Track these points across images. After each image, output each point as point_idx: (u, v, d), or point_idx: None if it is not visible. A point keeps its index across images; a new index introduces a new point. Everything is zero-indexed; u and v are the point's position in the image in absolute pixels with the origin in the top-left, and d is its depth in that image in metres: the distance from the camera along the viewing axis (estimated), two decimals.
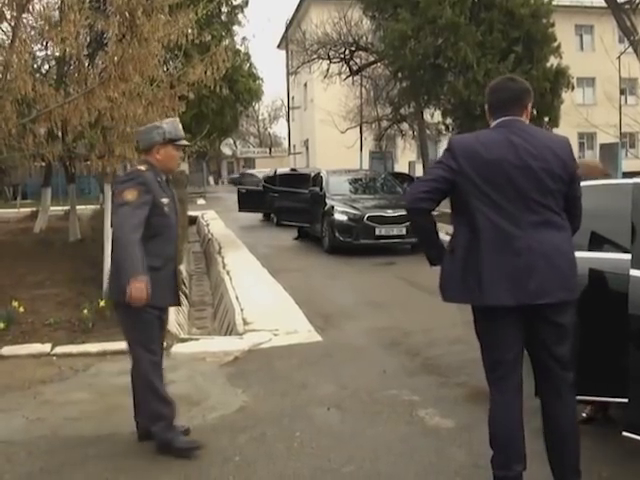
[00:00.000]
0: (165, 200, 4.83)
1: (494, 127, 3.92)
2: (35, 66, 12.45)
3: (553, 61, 19.14)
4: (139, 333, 4.81)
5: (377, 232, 14.86)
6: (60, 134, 10.99)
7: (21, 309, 8.65)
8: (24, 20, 8.74)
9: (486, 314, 3.77)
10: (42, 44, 12.01)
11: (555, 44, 19.06)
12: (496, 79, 4.19)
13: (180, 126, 5.05)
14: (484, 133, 3.94)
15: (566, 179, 3.79)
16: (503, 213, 3.69)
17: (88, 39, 11.03)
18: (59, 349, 7.36)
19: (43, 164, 21.12)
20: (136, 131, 5.08)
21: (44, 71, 14.19)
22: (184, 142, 5.11)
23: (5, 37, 9.07)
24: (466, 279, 3.74)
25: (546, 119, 19.26)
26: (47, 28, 8.57)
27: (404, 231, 14.74)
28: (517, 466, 3.77)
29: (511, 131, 3.83)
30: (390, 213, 14.79)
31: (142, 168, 4.87)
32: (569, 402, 3.89)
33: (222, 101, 19.02)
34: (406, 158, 33.72)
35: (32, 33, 9.62)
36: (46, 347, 7.39)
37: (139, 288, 4.49)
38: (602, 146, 21.52)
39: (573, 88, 19.89)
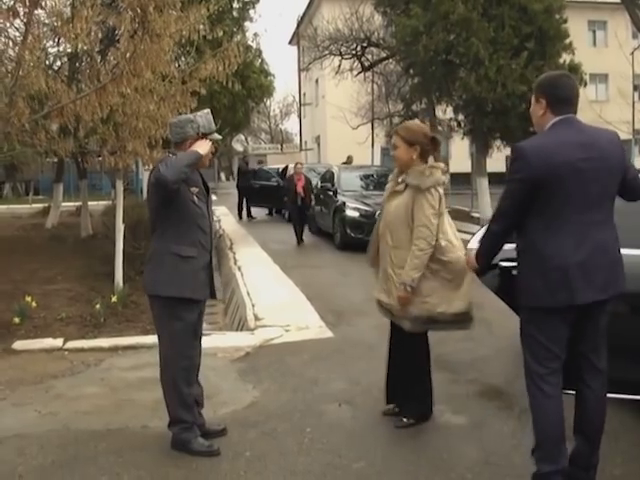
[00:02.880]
0: (195, 189, 4.77)
1: (558, 126, 3.83)
2: (47, 62, 12.46)
3: (566, 57, 19.01)
4: (175, 334, 4.75)
5: None
6: (72, 130, 11.02)
7: (33, 304, 8.71)
8: (36, 16, 8.76)
9: (551, 312, 3.77)
10: (54, 41, 12.04)
11: (568, 40, 18.92)
12: (549, 74, 4.14)
13: (212, 119, 4.97)
14: (552, 134, 3.83)
15: (622, 173, 3.89)
16: (576, 213, 3.73)
17: (100, 35, 11.01)
18: (71, 344, 7.40)
19: (55, 160, 21.26)
20: (169, 123, 5.01)
21: (56, 67, 14.20)
22: (217, 136, 5.01)
23: (17, 33, 9.09)
24: (550, 281, 3.73)
25: None
26: (59, 24, 8.57)
27: None
28: (564, 460, 3.83)
29: (576, 130, 3.83)
30: None
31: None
32: (603, 393, 3.98)
33: (234, 97, 18.97)
34: None
35: (44, 30, 9.65)
36: (58, 342, 7.43)
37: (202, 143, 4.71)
38: None
39: (586, 84, 19.74)
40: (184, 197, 4.68)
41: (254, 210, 24.32)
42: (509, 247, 4.06)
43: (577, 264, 3.69)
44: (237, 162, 29.85)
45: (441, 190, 4.96)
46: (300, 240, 16.69)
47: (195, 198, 4.76)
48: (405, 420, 5.15)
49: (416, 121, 5.79)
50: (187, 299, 4.70)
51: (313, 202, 18.08)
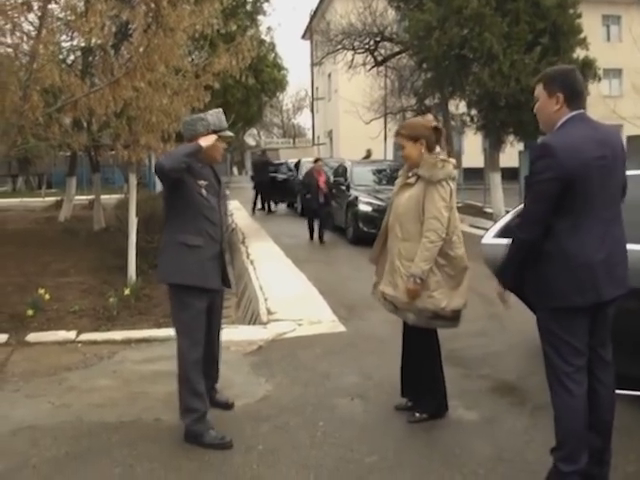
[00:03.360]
0: (203, 182, 4.91)
1: (575, 122, 3.79)
2: (61, 57, 12.50)
3: (579, 52, 18.88)
4: (183, 324, 4.89)
5: None
6: (85, 124, 11.06)
7: (47, 296, 8.75)
8: (50, 11, 8.78)
9: (578, 310, 3.75)
10: (68, 35, 12.07)
11: (582, 35, 18.82)
12: (560, 68, 4.10)
13: (224, 117, 5.13)
14: (572, 130, 3.76)
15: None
16: (596, 210, 3.71)
17: (114, 29, 11.04)
18: (84, 336, 7.43)
19: (68, 154, 21.33)
20: (183, 121, 5.19)
21: (70, 62, 14.24)
22: (228, 133, 5.15)
23: (32, 28, 9.11)
24: (579, 281, 3.70)
25: None
26: (73, 19, 8.59)
27: None
28: (584, 459, 3.79)
29: (590, 126, 3.82)
30: None
31: None
32: (613, 387, 3.99)
33: (247, 91, 19.00)
34: None
35: (58, 24, 9.67)
36: (71, 334, 7.47)
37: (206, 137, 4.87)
38: (629, 138, 21.24)
39: (600, 79, 19.62)
40: (190, 188, 4.84)
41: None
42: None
43: (601, 261, 3.69)
44: (250, 156, 29.81)
45: (452, 184, 4.97)
46: (321, 240, 16.09)
47: (203, 191, 4.90)
48: (418, 415, 5.15)
49: (429, 116, 5.76)
50: (192, 287, 4.80)
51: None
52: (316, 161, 17.66)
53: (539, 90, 3.91)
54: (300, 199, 22.66)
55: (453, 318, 4.98)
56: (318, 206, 16.35)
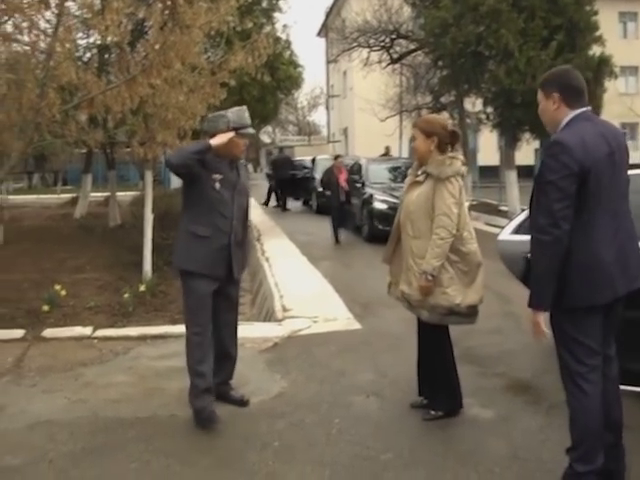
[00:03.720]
0: (217, 176, 5.11)
1: (581, 121, 3.78)
2: (77, 54, 12.55)
3: (596, 49, 18.78)
4: (188, 308, 5.20)
5: None
6: (101, 121, 11.09)
7: (63, 292, 8.79)
8: (67, 8, 8.81)
9: (593, 309, 3.73)
10: (84, 32, 12.13)
11: (598, 32, 18.72)
12: (555, 69, 4.07)
13: (246, 115, 5.30)
14: (581, 127, 3.75)
15: None
16: (607, 206, 3.72)
17: (130, 27, 11.06)
18: (100, 332, 7.47)
19: (84, 151, 21.42)
20: (207, 117, 5.48)
21: (86, 59, 14.29)
22: (249, 131, 5.33)
23: (48, 25, 9.15)
24: (596, 279, 3.68)
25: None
26: (90, 16, 8.62)
27: None
28: (600, 459, 3.77)
29: (595, 123, 3.83)
30: None
31: None
32: (617, 380, 4.01)
33: (263, 88, 18.99)
34: None
35: (74, 21, 9.70)
36: (87, 330, 7.50)
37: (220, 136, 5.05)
38: None
39: (616, 77, 19.48)
40: (204, 182, 5.09)
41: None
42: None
43: (614, 257, 3.69)
44: (265, 154, 29.75)
45: (461, 180, 5.00)
46: (337, 240, 15.45)
47: (217, 184, 5.13)
48: (433, 413, 5.14)
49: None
50: (197, 273, 5.08)
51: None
52: (336, 158, 17.21)
53: (539, 94, 3.95)
54: (315, 197, 22.68)
55: (469, 314, 4.98)
56: (338, 204, 15.87)
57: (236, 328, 5.55)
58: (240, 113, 5.26)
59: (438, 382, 5.20)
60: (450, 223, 4.83)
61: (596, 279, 3.67)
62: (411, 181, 5.19)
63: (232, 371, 5.54)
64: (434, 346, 5.16)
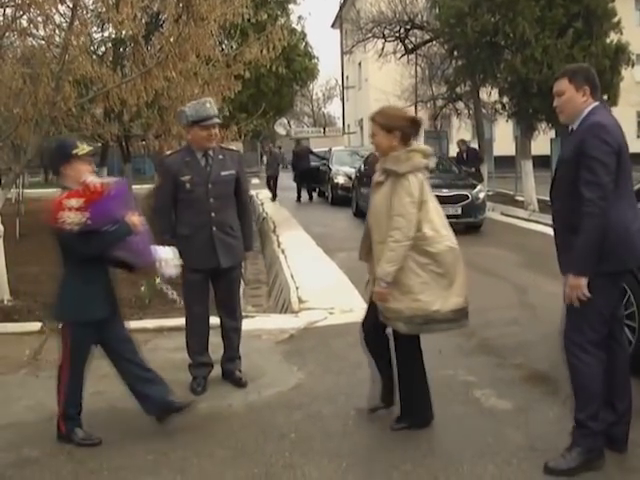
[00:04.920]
0: (186, 178, 5.39)
1: (602, 110, 4.20)
2: (92, 48, 12.60)
3: (613, 37, 18.62)
4: (184, 296, 5.85)
5: None
6: (117, 114, 11.13)
7: None
8: (82, 2, 8.84)
9: (619, 275, 4.18)
10: (99, 26, 12.16)
11: (615, 19, 18.55)
12: (578, 65, 4.57)
13: (206, 106, 5.41)
14: (604, 115, 4.17)
15: None
16: (629, 183, 4.19)
17: (145, 20, 11.09)
18: None
19: (99, 144, 21.48)
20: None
21: (101, 53, 14.35)
22: (211, 121, 5.43)
23: (64, 19, 9.19)
24: (627, 244, 4.06)
25: (605, 97, 18.79)
26: (105, 10, 8.65)
27: (459, 211, 14.64)
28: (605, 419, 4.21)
29: (610, 112, 4.27)
30: (445, 193, 14.34)
31: (167, 153, 5.76)
32: (626, 345, 4.50)
33: (279, 80, 19.01)
34: (461, 137, 33.36)
35: (89, 15, 9.74)
36: None
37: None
38: None
39: (633, 65, 19.31)
40: (178, 187, 5.45)
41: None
42: None
43: (638, 227, 4.11)
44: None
45: (421, 175, 4.58)
46: None
47: (187, 185, 5.43)
48: (401, 424, 4.84)
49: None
50: (188, 267, 5.37)
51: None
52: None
53: (564, 84, 4.20)
54: (330, 188, 22.73)
55: (457, 319, 4.63)
56: None
57: (235, 309, 5.88)
58: (198, 106, 5.42)
59: (408, 393, 4.90)
60: (405, 225, 4.43)
61: (628, 246, 4.06)
62: (374, 181, 4.81)
63: (236, 350, 5.87)
64: (405, 356, 4.82)
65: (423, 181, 4.57)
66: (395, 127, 4.64)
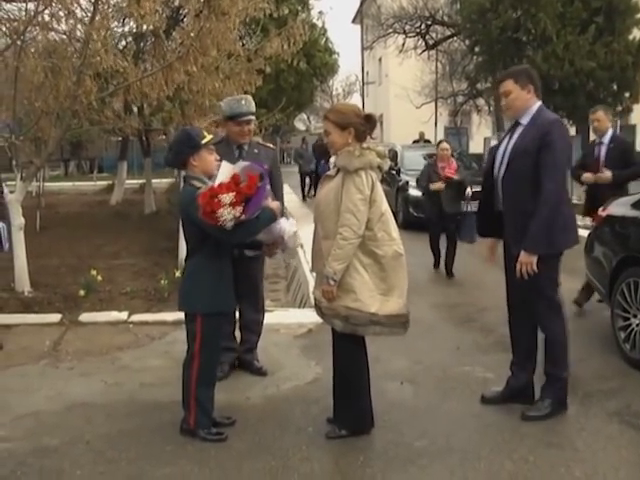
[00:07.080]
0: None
1: (544, 108, 5.00)
2: (113, 42, 12.66)
3: (636, 33, 18.47)
4: None
5: None
6: (137, 108, 11.18)
7: (99, 278, 8.88)
8: None
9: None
10: (119, 21, 12.21)
11: (638, 15, 18.39)
12: (521, 67, 5.34)
13: (241, 103, 5.58)
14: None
15: None
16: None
17: (165, 15, 11.12)
18: (135, 317, 7.54)
19: (120, 138, 21.58)
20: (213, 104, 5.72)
21: (121, 47, 14.41)
22: (244, 118, 5.57)
23: (85, 14, 9.23)
24: (573, 227, 4.96)
25: (627, 95, 18.65)
26: (126, 5, 8.69)
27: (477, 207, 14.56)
28: None
29: None
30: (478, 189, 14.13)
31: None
32: None
33: (300, 75, 19.04)
34: (481, 134, 33.05)
35: (110, 10, 9.78)
36: (123, 315, 7.58)
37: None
38: None
39: None
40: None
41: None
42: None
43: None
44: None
45: (374, 174, 4.48)
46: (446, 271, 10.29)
47: None
48: (337, 431, 4.66)
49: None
50: None
51: None
52: (439, 144, 11.37)
53: (510, 85, 4.83)
54: (404, 204, 22.40)
55: (392, 324, 4.49)
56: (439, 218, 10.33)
57: (257, 301, 5.97)
58: (232, 103, 5.60)
59: (346, 398, 4.71)
60: (355, 222, 4.33)
61: (573, 228, 4.88)
62: (324, 175, 4.76)
63: (256, 342, 5.98)
64: (347, 358, 4.67)
65: (375, 180, 4.48)
66: (349, 124, 4.50)
